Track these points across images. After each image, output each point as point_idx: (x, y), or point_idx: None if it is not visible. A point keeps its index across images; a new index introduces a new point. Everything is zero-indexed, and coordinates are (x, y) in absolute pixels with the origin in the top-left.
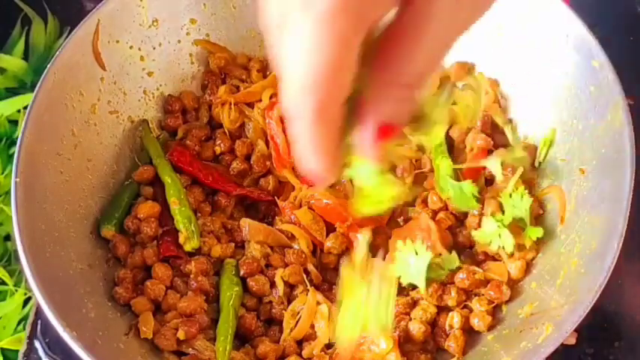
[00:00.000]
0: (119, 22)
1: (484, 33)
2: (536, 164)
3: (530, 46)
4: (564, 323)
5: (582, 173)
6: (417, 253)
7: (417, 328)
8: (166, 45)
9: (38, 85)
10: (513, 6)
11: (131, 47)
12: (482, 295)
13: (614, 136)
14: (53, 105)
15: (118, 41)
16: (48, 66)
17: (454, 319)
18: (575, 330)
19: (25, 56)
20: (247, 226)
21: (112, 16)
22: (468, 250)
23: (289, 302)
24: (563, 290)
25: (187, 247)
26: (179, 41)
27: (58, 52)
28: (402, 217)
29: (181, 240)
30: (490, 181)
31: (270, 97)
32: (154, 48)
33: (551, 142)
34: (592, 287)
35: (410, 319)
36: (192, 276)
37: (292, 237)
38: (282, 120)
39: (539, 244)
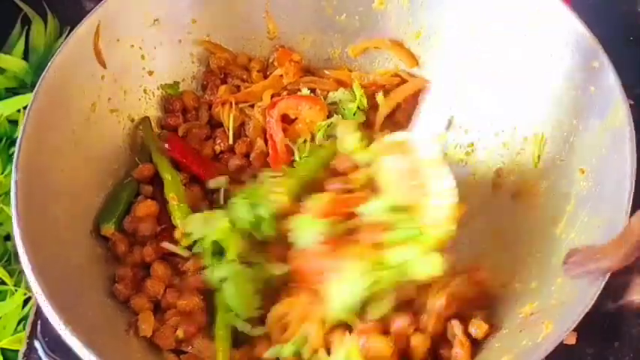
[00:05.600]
0: (120, 21)
1: (484, 34)
2: (533, 165)
3: (531, 47)
4: (564, 322)
5: (582, 173)
6: None
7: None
8: (167, 44)
9: (38, 84)
10: (514, 7)
11: (132, 46)
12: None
13: (614, 137)
14: (53, 104)
15: (118, 40)
16: (48, 65)
17: (455, 328)
18: (575, 330)
19: (25, 56)
20: None
21: (113, 14)
22: None
23: None
24: (563, 289)
25: (184, 243)
26: (180, 41)
27: (58, 51)
28: None
29: (178, 236)
30: None
31: (271, 97)
32: (155, 47)
33: (542, 140)
34: (592, 286)
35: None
36: (189, 274)
37: None
38: (282, 119)
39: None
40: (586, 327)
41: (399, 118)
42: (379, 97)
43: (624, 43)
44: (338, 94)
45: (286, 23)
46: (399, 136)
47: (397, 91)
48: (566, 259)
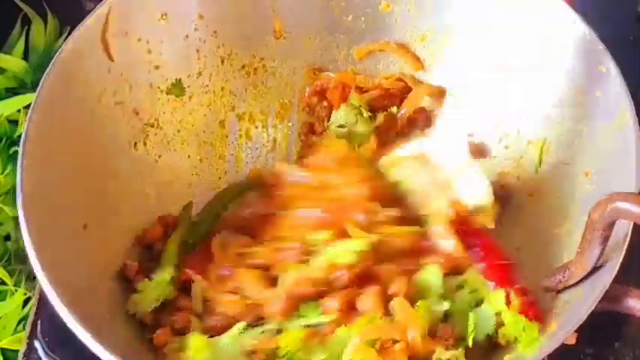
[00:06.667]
0: (129, 14)
1: (490, 37)
2: (536, 169)
3: (536, 50)
4: (568, 322)
5: (586, 176)
6: None
7: None
8: (173, 39)
9: (45, 74)
10: (520, 9)
11: (139, 40)
12: None
13: (618, 140)
14: (58, 96)
15: (127, 33)
16: (55, 56)
17: None
18: (575, 330)
19: (25, 56)
20: None
21: (122, 7)
22: None
23: None
24: (566, 290)
25: None
26: (187, 36)
27: (65, 43)
28: None
29: None
30: None
31: None
32: (162, 42)
33: (546, 144)
34: (595, 287)
35: None
36: None
37: None
38: None
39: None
40: (586, 327)
41: (420, 121)
42: (394, 109)
43: (624, 44)
44: (341, 115)
45: (293, 23)
46: (412, 148)
47: (408, 102)
48: (544, 282)
